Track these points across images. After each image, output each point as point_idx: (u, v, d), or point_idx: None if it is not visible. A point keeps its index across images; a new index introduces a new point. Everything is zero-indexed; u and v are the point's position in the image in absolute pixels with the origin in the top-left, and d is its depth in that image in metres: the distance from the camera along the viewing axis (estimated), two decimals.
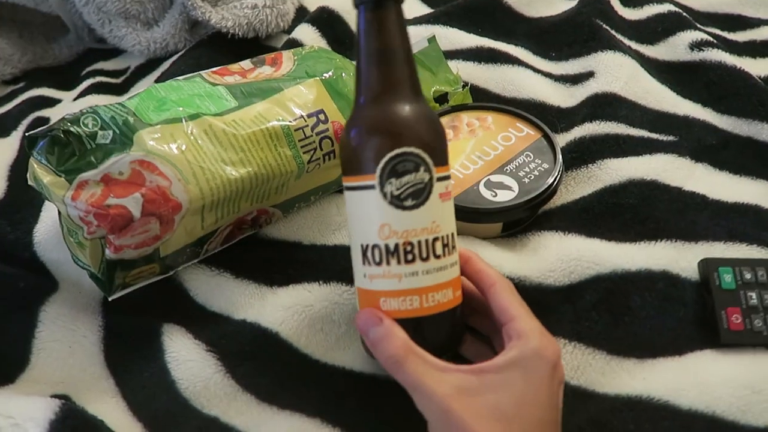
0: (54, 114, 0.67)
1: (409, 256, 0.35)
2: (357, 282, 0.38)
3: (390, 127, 0.35)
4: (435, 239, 0.35)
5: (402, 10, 0.36)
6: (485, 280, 0.38)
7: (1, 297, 0.46)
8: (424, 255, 0.35)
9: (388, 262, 0.35)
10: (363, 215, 0.36)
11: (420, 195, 0.35)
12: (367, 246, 0.36)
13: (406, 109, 0.36)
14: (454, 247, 0.37)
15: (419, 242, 0.35)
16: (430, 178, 0.35)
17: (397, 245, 0.35)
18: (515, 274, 0.46)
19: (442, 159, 0.36)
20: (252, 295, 0.47)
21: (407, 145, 0.34)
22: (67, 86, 0.73)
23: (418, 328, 0.35)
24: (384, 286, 0.36)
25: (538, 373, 0.33)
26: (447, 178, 0.37)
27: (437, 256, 0.35)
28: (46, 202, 0.52)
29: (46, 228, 0.50)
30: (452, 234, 0.37)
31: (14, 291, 0.47)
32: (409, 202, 0.35)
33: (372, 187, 0.35)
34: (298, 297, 0.46)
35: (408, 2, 0.83)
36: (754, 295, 0.44)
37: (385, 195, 0.35)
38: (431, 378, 0.32)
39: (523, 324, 0.35)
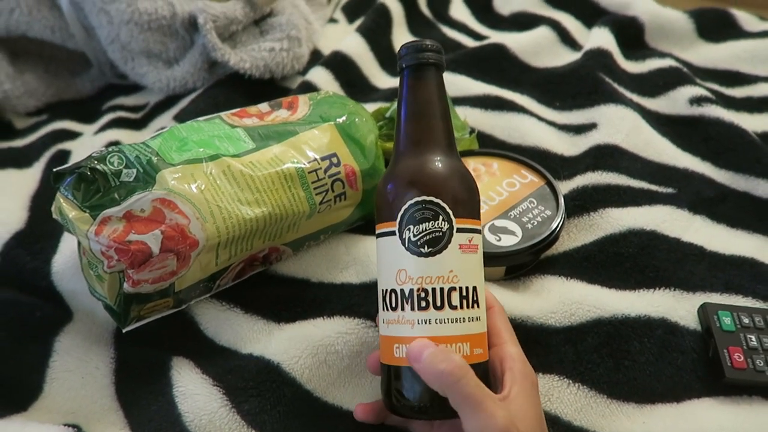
0: (75, 147, 0.69)
1: (423, 303, 0.35)
2: (380, 330, 0.39)
3: (413, 177, 0.37)
4: (452, 289, 0.35)
5: (438, 75, 0.39)
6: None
7: (19, 326, 0.47)
8: (439, 304, 0.35)
9: (402, 308, 0.36)
10: (384, 261, 0.38)
11: (437, 243, 0.36)
12: (386, 291, 0.37)
13: (433, 162, 0.38)
14: (476, 301, 0.36)
15: (434, 290, 0.35)
16: (450, 228, 0.36)
17: (411, 291, 0.35)
18: (518, 314, 0.48)
19: (466, 212, 0.37)
20: (260, 331, 0.49)
21: (427, 194, 0.36)
22: (89, 120, 0.76)
23: None
24: (398, 332, 0.36)
25: (535, 395, 0.37)
26: (472, 231, 0.37)
27: (453, 307, 0.35)
28: (65, 234, 0.54)
29: (65, 259, 0.51)
30: (474, 288, 0.36)
31: (31, 320, 0.48)
32: (425, 249, 0.36)
33: (393, 233, 0.37)
34: (304, 331, 0.47)
35: None
36: (753, 337, 0.46)
37: (403, 241, 0.36)
38: (491, 400, 0.33)
39: (514, 348, 0.38)
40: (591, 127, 0.67)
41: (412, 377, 0.35)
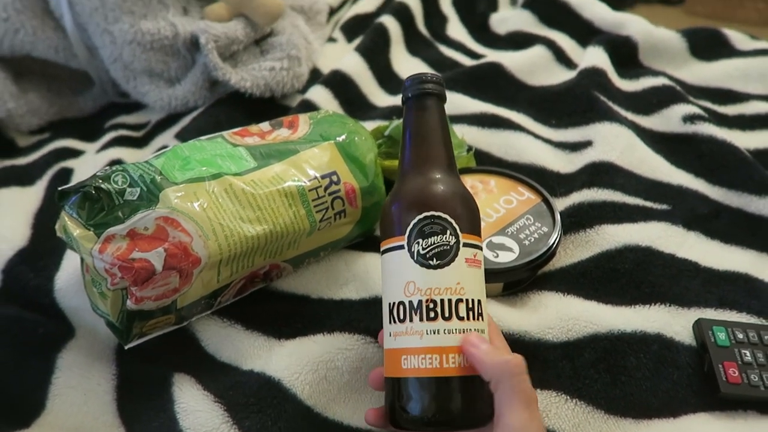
0: (77, 165, 0.70)
1: (432, 314, 0.36)
2: (385, 344, 0.39)
3: (422, 194, 0.39)
4: (459, 300, 0.36)
5: (440, 105, 0.42)
6: None
7: (22, 343, 0.48)
8: (447, 314, 0.36)
9: (411, 319, 0.36)
10: (392, 274, 0.38)
11: (445, 256, 0.37)
12: (393, 304, 0.38)
13: (440, 181, 0.39)
14: (480, 314, 0.37)
15: (442, 301, 0.36)
16: (456, 242, 0.37)
17: (420, 302, 0.36)
18: (515, 329, 0.48)
19: (470, 228, 0.38)
20: (261, 347, 0.49)
21: (435, 210, 0.38)
22: (91, 138, 0.77)
23: (438, 389, 0.35)
24: (406, 344, 0.37)
25: (538, 412, 0.36)
26: (476, 247, 0.38)
27: (460, 318, 0.36)
28: (68, 251, 0.54)
29: (67, 276, 0.52)
30: (479, 301, 0.37)
31: (34, 337, 0.48)
32: (434, 261, 0.37)
33: (402, 247, 0.38)
34: (304, 347, 0.48)
35: (418, 68, 0.88)
36: (747, 352, 0.46)
37: (412, 254, 0.37)
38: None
39: None
40: (586, 144, 0.68)
41: (420, 388, 0.36)
